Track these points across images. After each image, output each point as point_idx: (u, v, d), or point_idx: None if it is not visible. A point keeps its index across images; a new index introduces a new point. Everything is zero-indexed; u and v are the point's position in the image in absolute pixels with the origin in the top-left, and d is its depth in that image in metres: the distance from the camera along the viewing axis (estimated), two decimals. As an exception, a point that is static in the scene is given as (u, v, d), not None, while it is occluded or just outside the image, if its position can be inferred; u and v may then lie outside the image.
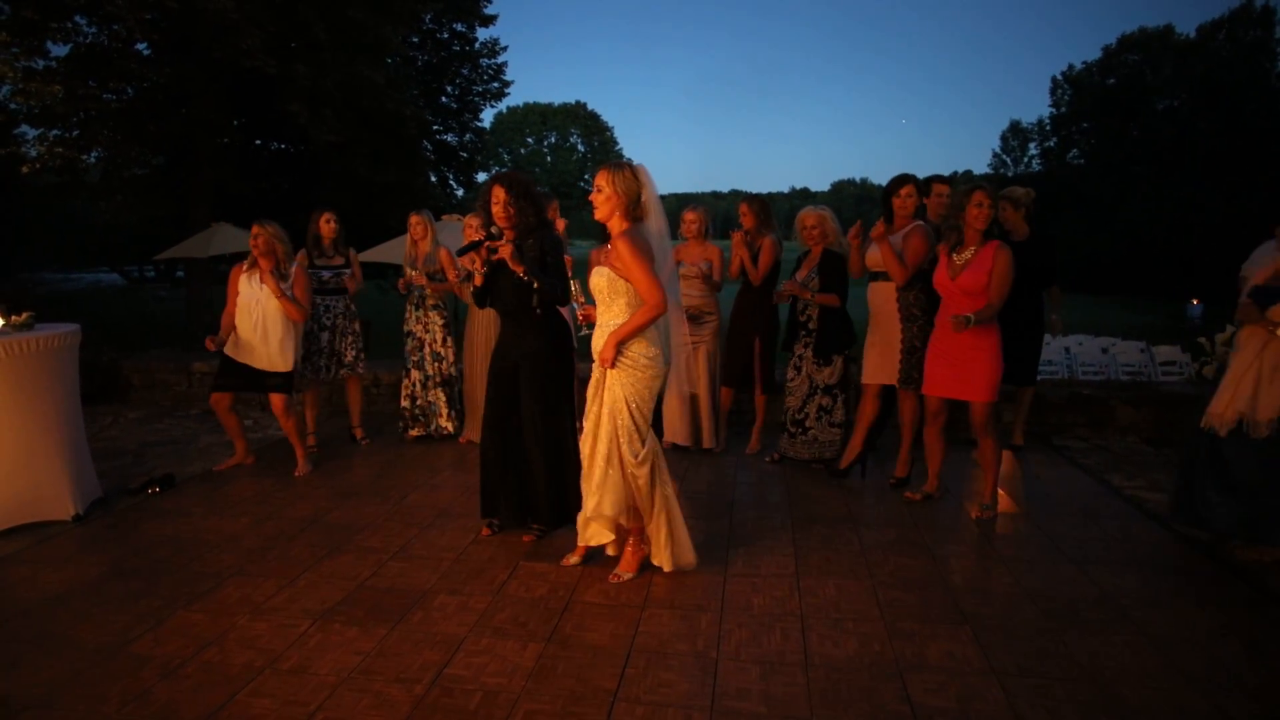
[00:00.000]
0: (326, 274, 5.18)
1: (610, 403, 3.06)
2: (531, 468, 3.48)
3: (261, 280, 4.48)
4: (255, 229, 4.54)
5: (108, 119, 11.15)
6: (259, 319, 4.51)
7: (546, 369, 3.46)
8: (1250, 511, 3.28)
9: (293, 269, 4.59)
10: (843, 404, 4.63)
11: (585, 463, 3.17)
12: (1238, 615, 2.91)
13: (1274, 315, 3.17)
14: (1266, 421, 3.20)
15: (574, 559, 3.32)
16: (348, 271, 5.28)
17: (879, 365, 4.35)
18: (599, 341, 3.09)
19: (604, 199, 3.03)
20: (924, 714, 2.28)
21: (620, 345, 3.01)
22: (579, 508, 3.27)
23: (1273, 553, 3.33)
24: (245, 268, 4.57)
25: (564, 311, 3.64)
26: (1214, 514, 3.38)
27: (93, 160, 12.30)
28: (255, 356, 4.55)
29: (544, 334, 3.46)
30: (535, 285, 3.29)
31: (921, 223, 4.23)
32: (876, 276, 4.31)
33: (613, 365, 3.02)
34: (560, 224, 5.12)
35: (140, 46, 11.24)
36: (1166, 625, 2.82)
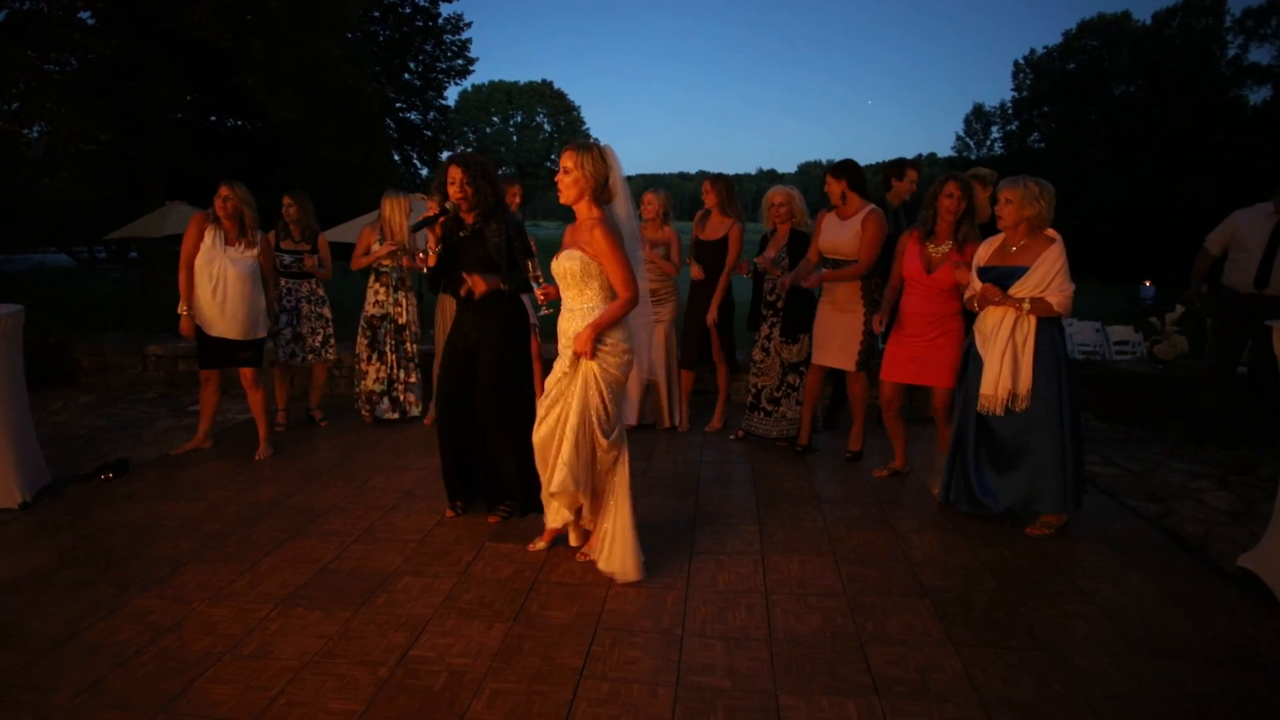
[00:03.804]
0: (288, 258, 5.09)
1: (583, 389, 2.96)
2: (494, 451, 3.45)
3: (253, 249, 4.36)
4: (225, 190, 4.33)
5: (50, 91, 10.64)
6: (220, 282, 4.32)
7: (507, 351, 3.42)
8: (1024, 484, 3.43)
9: (260, 237, 4.45)
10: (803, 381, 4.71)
11: (546, 441, 3.05)
12: (1179, 583, 3.03)
13: (1017, 292, 3.31)
14: (1026, 394, 3.35)
15: (541, 544, 3.29)
16: (314, 257, 5.17)
17: (837, 349, 4.34)
18: (569, 326, 3.00)
19: (571, 181, 2.94)
20: (884, 685, 2.34)
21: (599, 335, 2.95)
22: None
23: (1054, 520, 3.45)
24: (208, 220, 4.34)
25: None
26: (995, 496, 3.49)
27: (35, 135, 11.76)
28: (214, 323, 4.38)
29: (504, 316, 3.41)
30: (505, 287, 3.30)
31: (875, 207, 4.26)
32: (826, 263, 4.31)
33: (592, 356, 2.93)
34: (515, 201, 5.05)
35: (84, 15, 10.74)
36: (1114, 594, 2.92)
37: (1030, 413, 3.36)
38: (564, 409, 3.02)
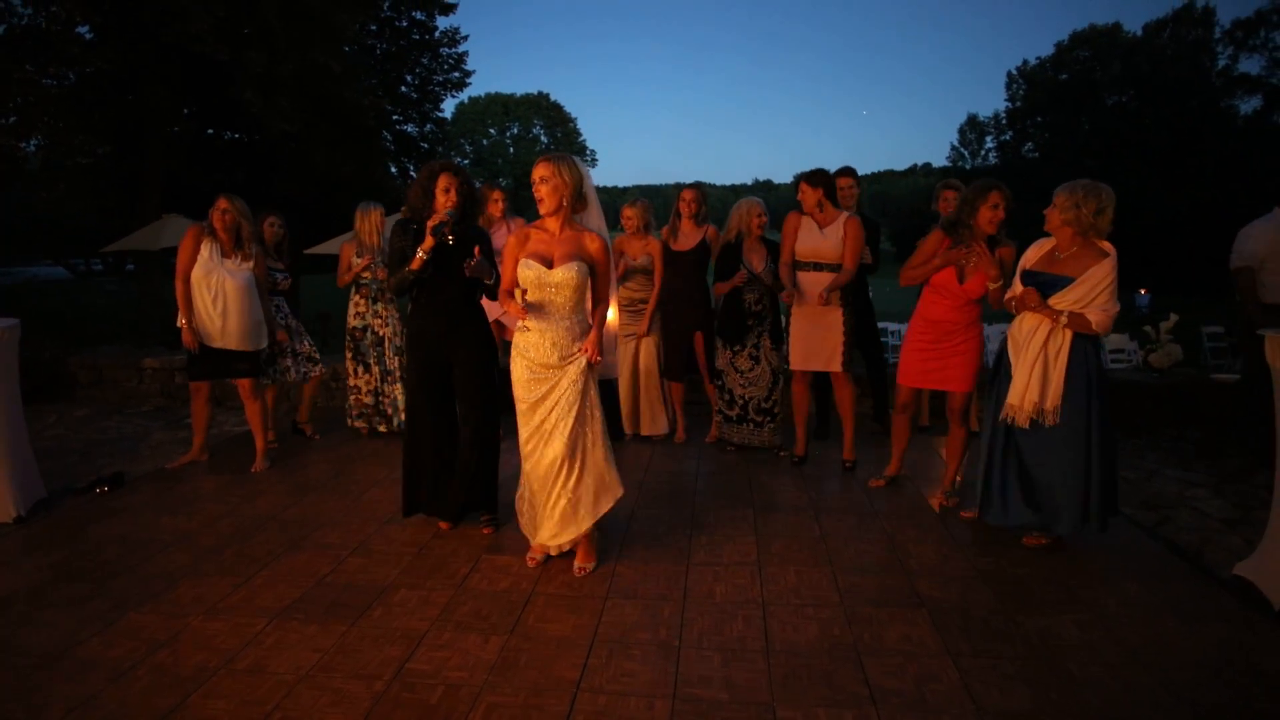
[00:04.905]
0: (279, 276, 5.08)
1: (591, 397, 3.10)
2: (474, 458, 3.50)
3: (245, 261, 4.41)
4: (224, 203, 4.35)
5: (48, 104, 10.67)
6: (219, 294, 4.32)
7: (483, 359, 3.48)
8: (1038, 505, 3.34)
9: (255, 251, 4.47)
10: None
11: (572, 469, 3.09)
12: (1176, 591, 3.03)
13: (1057, 304, 3.21)
14: (1054, 409, 3.24)
15: (539, 556, 3.28)
16: (288, 279, 5.18)
17: (828, 354, 4.35)
18: (551, 339, 3.04)
19: (551, 189, 2.99)
20: (881, 696, 2.33)
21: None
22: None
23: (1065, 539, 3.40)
24: (204, 233, 4.35)
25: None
26: (1018, 510, 3.39)
27: (32, 148, 11.78)
28: (212, 335, 4.36)
29: (478, 323, 3.49)
30: (489, 281, 3.28)
31: (851, 213, 4.41)
32: (805, 267, 4.35)
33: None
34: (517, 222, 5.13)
35: (82, 30, 10.78)
36: (1111, 603, 2.92)
37: (1054, 430, 3.26)
38: (564, 419, 3.04)
